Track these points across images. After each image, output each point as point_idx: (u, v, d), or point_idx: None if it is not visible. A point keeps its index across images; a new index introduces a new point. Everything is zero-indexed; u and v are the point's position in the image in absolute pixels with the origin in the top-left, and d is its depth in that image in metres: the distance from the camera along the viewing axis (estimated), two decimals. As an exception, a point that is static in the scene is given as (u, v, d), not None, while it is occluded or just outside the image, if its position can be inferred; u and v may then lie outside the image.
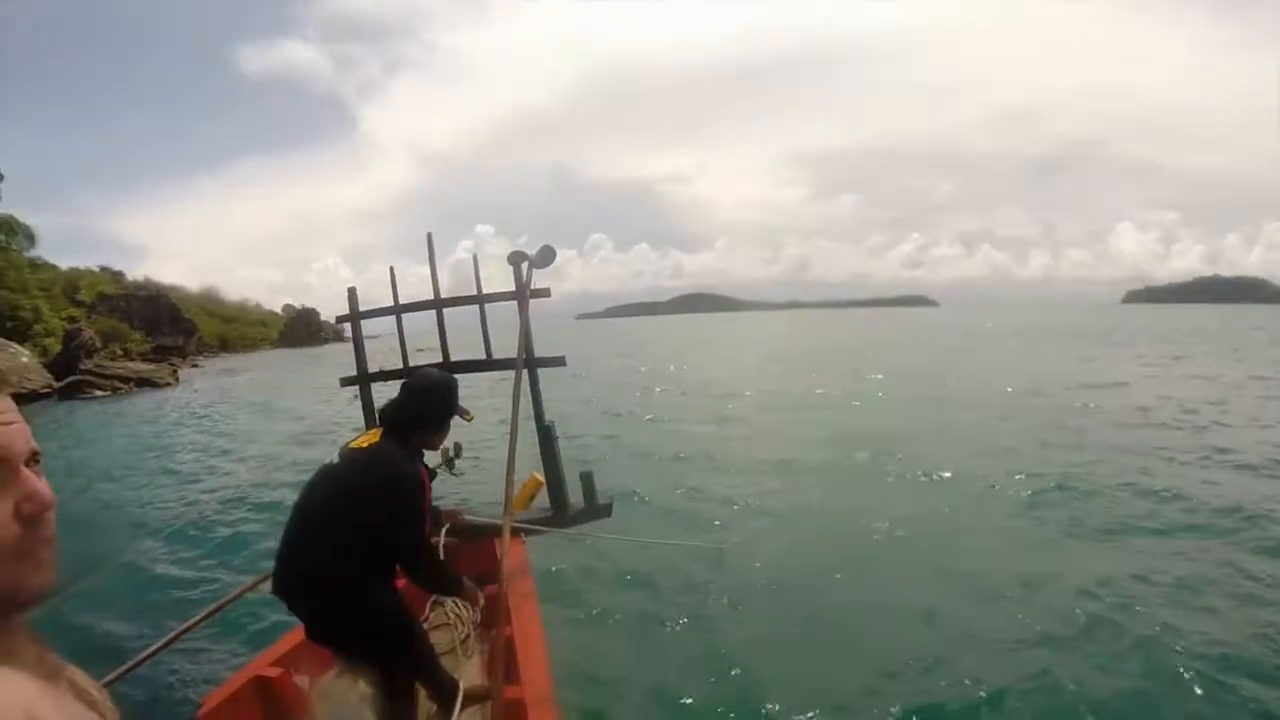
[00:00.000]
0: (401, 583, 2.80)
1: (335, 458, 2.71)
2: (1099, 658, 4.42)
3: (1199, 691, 4.03)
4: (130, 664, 2.77)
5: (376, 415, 3.02)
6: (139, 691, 2.76)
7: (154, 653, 2.88)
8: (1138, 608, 5.03)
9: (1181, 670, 4.21)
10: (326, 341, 71.95)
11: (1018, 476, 8.62)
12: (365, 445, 2.68)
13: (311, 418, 16.79)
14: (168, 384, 32.29)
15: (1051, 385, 17.81)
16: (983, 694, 4.05)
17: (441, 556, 3.75)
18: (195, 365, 46.54)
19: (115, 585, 6.11)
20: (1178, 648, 4.47)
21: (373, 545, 2.57)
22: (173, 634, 3.04)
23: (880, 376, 21.65)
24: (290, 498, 2.90)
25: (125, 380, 31.08)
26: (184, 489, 10.12)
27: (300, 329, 75.58)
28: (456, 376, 3.04)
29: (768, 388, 19.53)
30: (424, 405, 2.79)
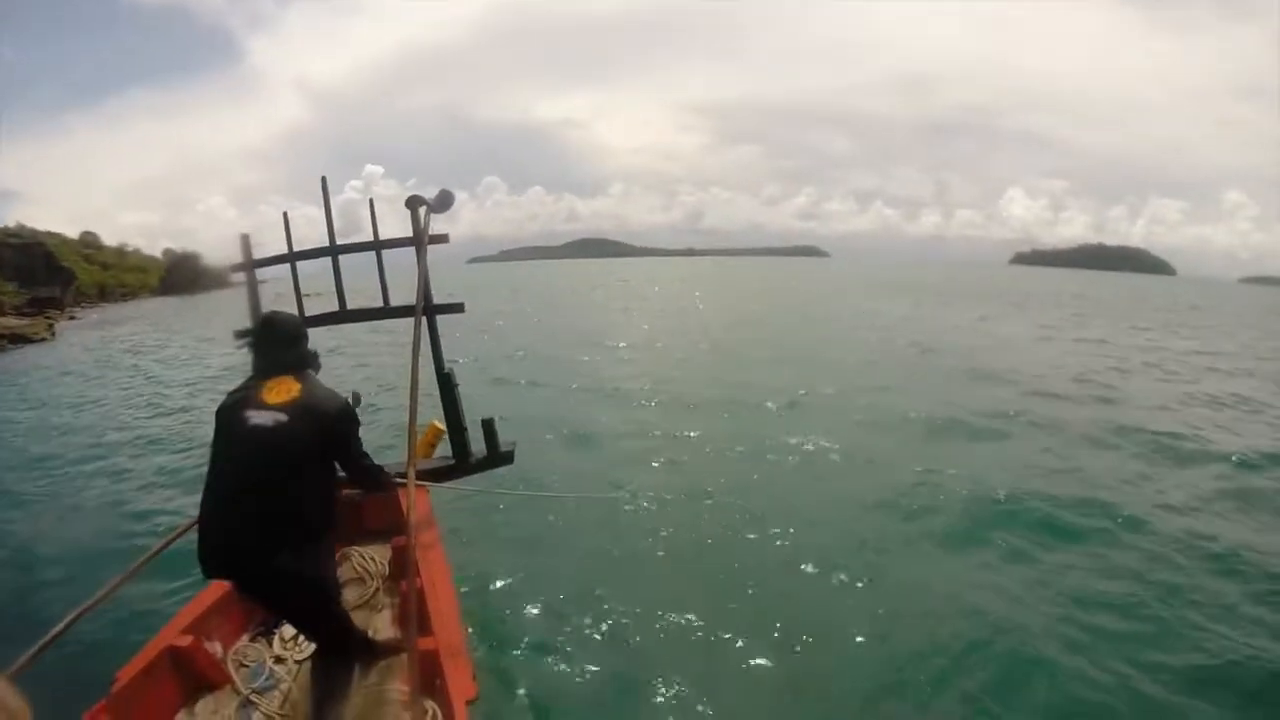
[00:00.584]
0: None
1: (264, 416, 2.57)
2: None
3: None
4: (35, 649, 2.57)
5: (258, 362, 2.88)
6: (48, 673, 2.65)
7: (59, 633, 2.66)
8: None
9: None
10: (209, 288, 68.02)
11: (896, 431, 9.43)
12: (298, 395, 2.62)
13: (200, 376, 15.70)
14: (43, 339, 29.63)
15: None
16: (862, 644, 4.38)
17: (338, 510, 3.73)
18: (72, 318, 42.81)
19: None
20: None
21: (320, 500, 2.61)
22: (81, 608, 2.81)
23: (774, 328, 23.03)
24: (182, 460, 2.79)
25: (-3, 337, 28.45)
26: (67, 458, 9.36)
27: (182, 275, 70.62)
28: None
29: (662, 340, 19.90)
30: (301, 339, 2.86)
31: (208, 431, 2.72)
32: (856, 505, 6.51)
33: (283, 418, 2.55)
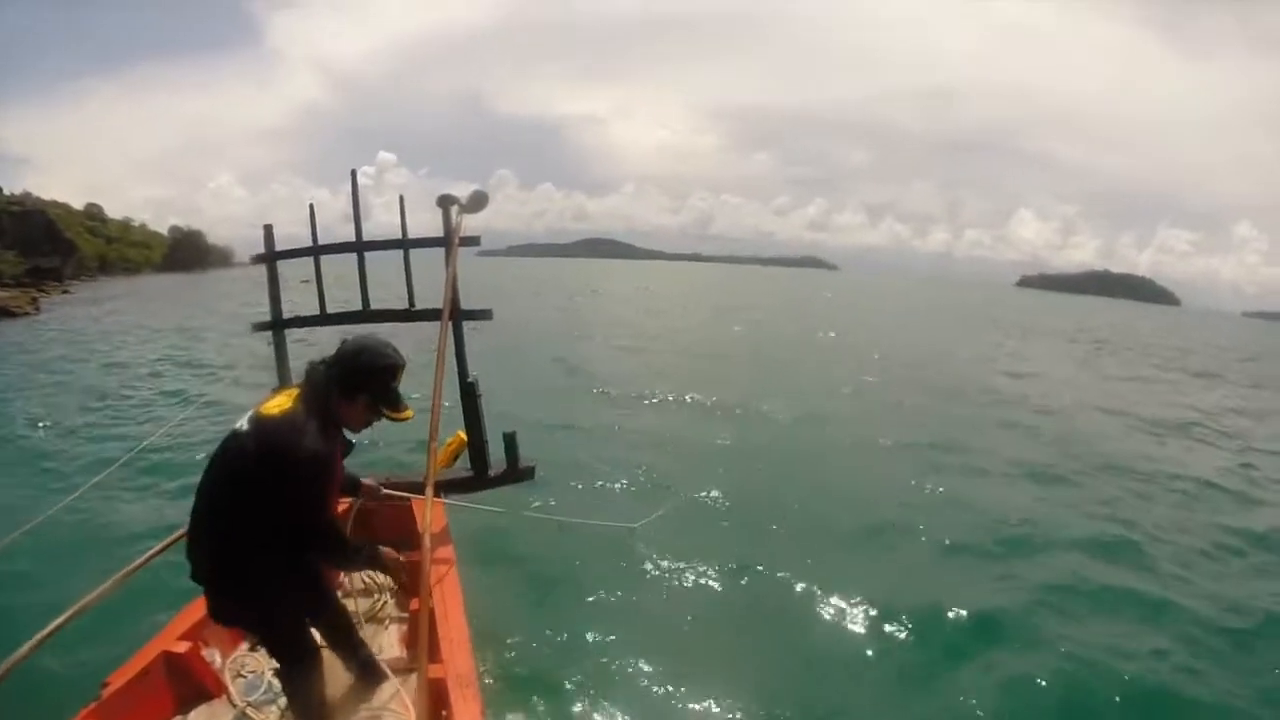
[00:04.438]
0: None
1: (244, 421, 2.42)
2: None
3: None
4: (24, 650, 2.52)
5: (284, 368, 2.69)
6: (36, 673, 2.53)
7: (49, 634, 2.63)
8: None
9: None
10: (212, 267, 67.85)
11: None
12: (275, 411, 2.38)
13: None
14: (26, 313, 28.38)
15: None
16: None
17: (350, 521, 3.54)
18: (65, 291, 41.97)
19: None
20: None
21: (279, 521, 2.34)
22: (71, 611, 2.76)
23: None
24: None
25: (-25, 308, 27.26)
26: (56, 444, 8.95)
27: (186, 253, 70.50)
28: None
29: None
30: (343, 373, 2.45)
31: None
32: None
33: (245, 428, 2.38)
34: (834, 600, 5.15)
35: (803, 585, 5.36)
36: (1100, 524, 7.11)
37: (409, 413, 2.55)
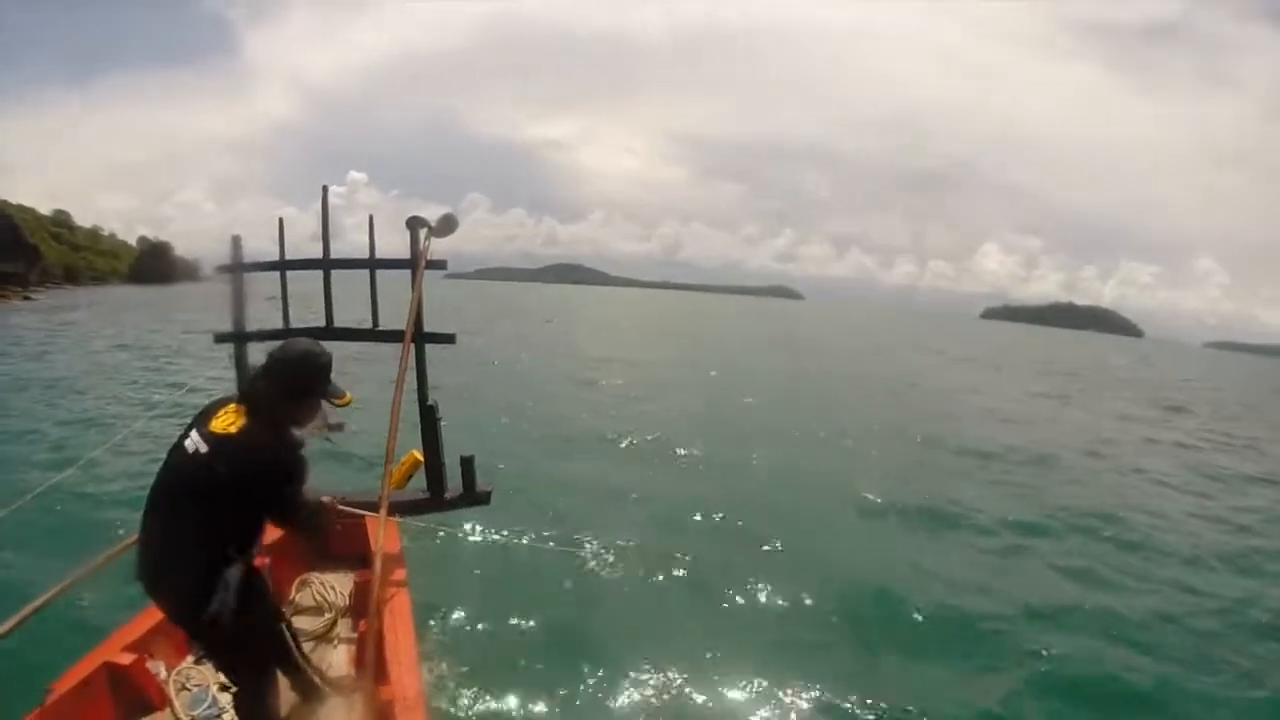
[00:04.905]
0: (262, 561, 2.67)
1: (196, 440, 2.44)
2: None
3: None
4: None
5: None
6: None
7: None
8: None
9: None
10: (179, 280, 66.89)
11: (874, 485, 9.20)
12: (233, 431, 2.42)
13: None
14: None
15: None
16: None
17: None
18: (26, 298, 40.79)
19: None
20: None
21: (235, 534, 2.41)
22: (16, 617, 2.75)
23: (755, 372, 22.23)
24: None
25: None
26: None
27: (153, 264, 69.40)
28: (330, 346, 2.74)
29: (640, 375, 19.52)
30: (287, 380, 2.52)
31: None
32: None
33: (204, 449, 2.40)
34: (783, 632, 5.17)
35: (748, 609, 5.46)
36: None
37: (349, 397, 2.65)
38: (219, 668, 2.90)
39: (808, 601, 5.55)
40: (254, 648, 2.63)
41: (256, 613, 2.58)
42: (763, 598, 5.59)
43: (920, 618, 5.45)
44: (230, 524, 2.39)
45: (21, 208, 61.00)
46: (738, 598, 5.57)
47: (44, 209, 67.64)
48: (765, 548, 6.58)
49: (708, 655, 4.66)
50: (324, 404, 2.62)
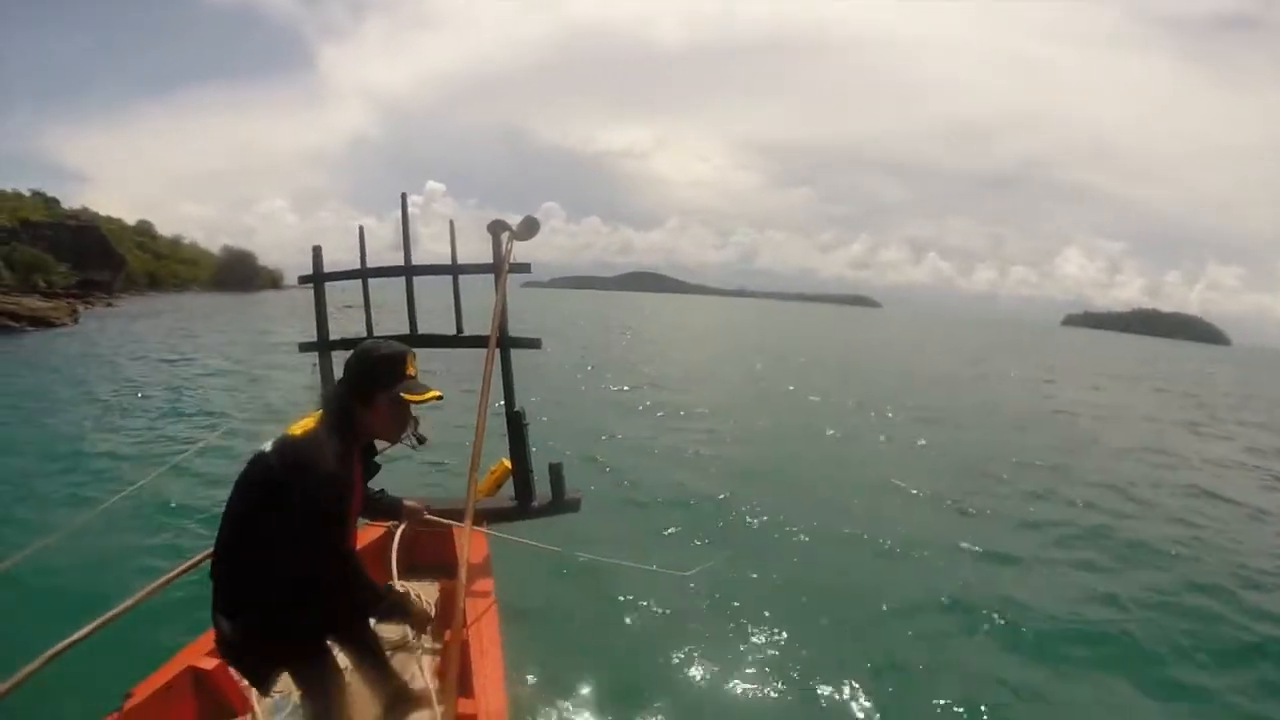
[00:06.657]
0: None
1: (270, 444, 2.32)
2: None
3: None
4: (44, 657, 2.49)
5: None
6: (56, 681, 2.50)
7: (74, 643, 2.59)
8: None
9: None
10: (261, 288, 69.83)
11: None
12: (298, 432, 2.29)
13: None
14: (63, 324, 28.81)
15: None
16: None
17: (395, 546, 3.47)
18: (109, 304, 42.74)
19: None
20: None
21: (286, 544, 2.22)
22: (98, 621, 2.72)
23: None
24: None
25: (17, 318, 27.55)
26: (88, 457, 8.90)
27: (235, 273, 72.86)
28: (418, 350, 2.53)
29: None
30: (354, 377, 2.35)
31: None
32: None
33: (272, 449, 2.27)
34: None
35: (862, 659, 4.79)
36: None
37: (434, 392, 2.39)
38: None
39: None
40: (311, 654, 2.49)
41: (323, 618, 2.44)
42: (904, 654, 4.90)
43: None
44: (286, 527, 2.20)
45: (109, 219, 65.60)
46: (852, 642, 4.97)
47: (130, 219, 72.45)
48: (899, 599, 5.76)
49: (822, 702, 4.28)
50: (412, 412, 2.42)
